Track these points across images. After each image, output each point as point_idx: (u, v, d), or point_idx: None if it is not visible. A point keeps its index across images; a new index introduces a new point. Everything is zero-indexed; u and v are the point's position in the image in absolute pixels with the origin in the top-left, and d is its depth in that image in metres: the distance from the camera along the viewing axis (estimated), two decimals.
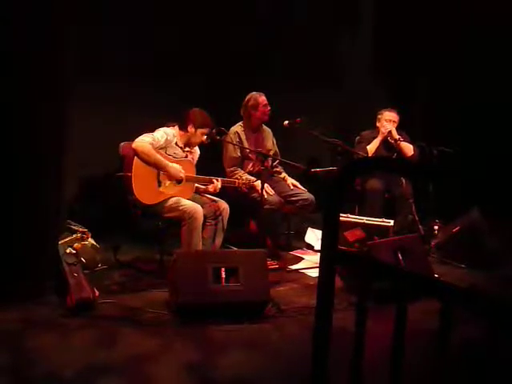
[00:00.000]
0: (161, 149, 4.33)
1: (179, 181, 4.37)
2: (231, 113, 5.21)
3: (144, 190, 4.24)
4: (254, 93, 5.13)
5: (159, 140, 4.29)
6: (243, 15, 5.70)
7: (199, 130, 4.46)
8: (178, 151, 4.47)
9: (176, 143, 4.45)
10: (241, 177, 4.75)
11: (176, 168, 4.31)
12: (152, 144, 4.23)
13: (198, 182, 4.57)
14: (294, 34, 6.05)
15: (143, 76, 5.19)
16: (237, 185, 4.61)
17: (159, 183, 4.31)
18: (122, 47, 5.11)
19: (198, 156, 4.70)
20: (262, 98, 5.10)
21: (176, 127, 4.49)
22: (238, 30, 5.62)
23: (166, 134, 4.36)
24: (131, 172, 4.21)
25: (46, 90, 3.71)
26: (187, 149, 4.54)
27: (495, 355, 2.87)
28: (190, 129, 4.45)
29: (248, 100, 5.13)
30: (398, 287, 1.43)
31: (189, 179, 4.45)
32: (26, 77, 3.60)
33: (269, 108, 5.11)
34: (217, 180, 4.53)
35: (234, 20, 5.64)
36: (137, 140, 4.23)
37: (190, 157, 4.56)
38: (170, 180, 4.32)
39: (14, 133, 3.65)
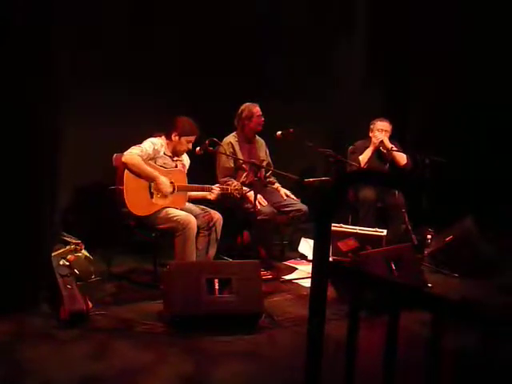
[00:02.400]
0: (150, 159, 4.34)
1: (171, 191, 4.38)
2: (224, 123, 5.22)
3: (136, 201, 4.25)
4: (247, 103, 5.13)
5: (147, 150, 4.31)
6: (237, 22, 5.70)
7: (184, 138, 4.46)
8: (168, 161, 4.48)
9: (164, 153, 4.47)
10: (232, 182, 4.75)
11: (165, 182, 4.31)
12: (141, 156, 4.25)
13: (191, 191, 4.58)
14: (286, 42, 6.07)
15: (139, 86, 5.18)
16: (229, 191, 4.61)
17: (151, 194, 4.32)
18: (117, 57, 5.11)
19: (188, 164, 4.71)
20: (257, 109, 5.11)
21: (163, 137, 4.51)
22: (230, 39, 5.63)
23: (153, 143, 4.38)
24: (123, 185, 4.21)
25: (40, 99, 3.72)
26: (176, 158, 4.55)
27: (487, 363, 2.89)
28: (174, 137, 4.45)
29: (242, 111, 5.13)
30: (389, 299, 1.45)
31: (181, 189, 4.45)
32: (20, 85, 3.62)
33: (263, 119, 5.12)
34: (214, 188, 4.57)
35: (227, 29, 5.65)
36: (126, 153, 4.25)
37: (179, 166, 4.57)
38: (158, 193, 4.32)
39: (9, 143, 3.65)
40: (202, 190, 4.59)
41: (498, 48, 6.18)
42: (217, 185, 4.69)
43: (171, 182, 4.39)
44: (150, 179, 4.29)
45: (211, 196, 4.58)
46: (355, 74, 6.58)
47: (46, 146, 3.82)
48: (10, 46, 3.56)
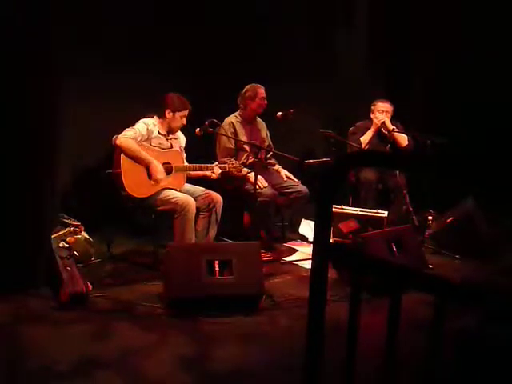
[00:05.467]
0: (145, 141, 4.31)
1: (169, 171, 4.36)
2: (225, 104, 5.18)
3: (135, 183, 4.22)
4: (253, 84, 5.10)
5: (141, 131, 4.28)
6: (240, 9, 5.65)
7: (177, 114, 4.43)
8: (163, 141, 4.45)
9: (159, 132, 4.43)
10: (231, 160, 4.72)
11: (158, 168, 4.27)
12: (135, 138, 4.22)
13: (189, 171, 4.55)
14: (288, 25, 6.01)
15: (139, 68, 5.13)
16: (227, 169, 4.58)
17: (149, 176, 4.29)
18: (116, 39, 5.05)
19: (184, 141, 4.68)
20: (261, 91, 5.08)
21: (155, 117, 4.47)
22: (233, 24, 5.58)
23: (145, 124, 4.34)
24: (120, 168, 4.18)
25: (38, 87, 3.68)
26: (170, 136, 4.52)
27: (487, 345, 2.89)
28: (168, 114, 4.43)
29: (246, 90, 5.10)
30: (390, 281, 1.43)
31: (179, 169, 4.43)
32: (19, 76, 3.58)
33: (266, 101, 5.09)
34: (215, 167, 4.55)
35: (231, 14, 5.60)
36: (120, 136, 4.22)
37: (176, 145, 4.54)
38: (150, 178, 4.28)
39: (7, 128, 3.63)
40: (200, 169, 4.56)
41: (501, 26, 6.11)
42: (216, 163, 4.66)
43: (168, 163, 4.36)
44: (144, 163, 4.26)
45: (213, 175, 4.55)
46: (356, 55, 6.52)
47: (45, 128, 3.79)
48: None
